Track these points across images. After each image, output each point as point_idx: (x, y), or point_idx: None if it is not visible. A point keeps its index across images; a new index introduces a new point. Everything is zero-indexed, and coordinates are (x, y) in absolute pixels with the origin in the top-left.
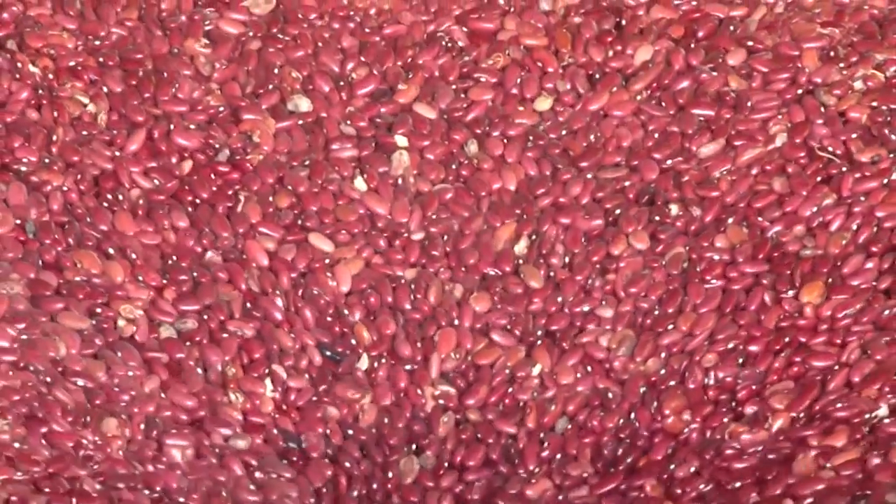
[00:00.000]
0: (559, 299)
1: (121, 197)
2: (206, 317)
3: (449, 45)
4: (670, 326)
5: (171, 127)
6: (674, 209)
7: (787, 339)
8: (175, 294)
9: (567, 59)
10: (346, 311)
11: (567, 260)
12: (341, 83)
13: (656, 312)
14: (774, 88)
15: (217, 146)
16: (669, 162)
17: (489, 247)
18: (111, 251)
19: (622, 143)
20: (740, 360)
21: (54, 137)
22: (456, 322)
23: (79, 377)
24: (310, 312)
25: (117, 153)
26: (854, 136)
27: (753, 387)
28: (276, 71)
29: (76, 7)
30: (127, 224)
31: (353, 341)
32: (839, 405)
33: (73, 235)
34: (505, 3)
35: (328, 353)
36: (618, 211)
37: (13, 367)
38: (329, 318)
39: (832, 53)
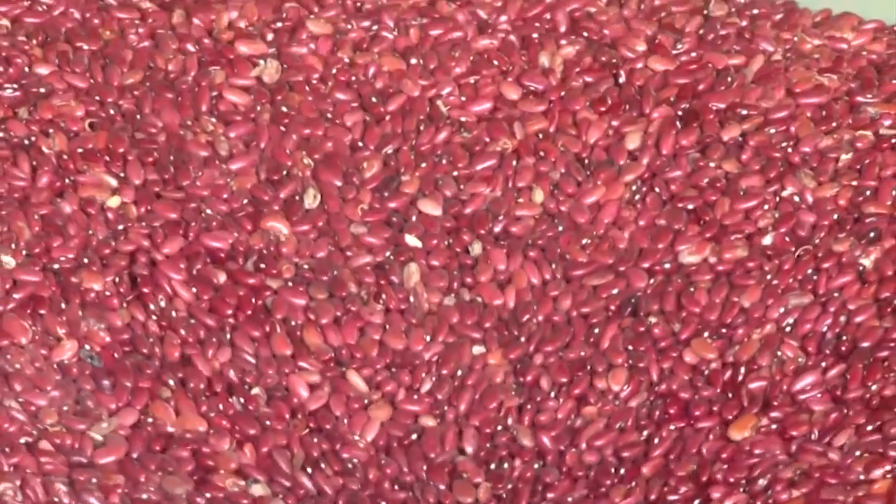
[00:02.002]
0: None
1: (172, 313)
2: None
3: (449, 119)
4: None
5: (194, 224)
6: (653, 321)
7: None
8: None
9: (561, 145)
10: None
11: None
12: (350, 171)
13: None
14: (766, 175)
15: (243, 249)
16: (657, 267)
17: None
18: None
19: (617, 245)
20: None
21: (90, 232)
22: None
23: None
24: None
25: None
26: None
27: None
28: (287, 152)
29: (83, 63)
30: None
31: None
32: None
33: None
34: (502, 62)
35: None
36: (596, 330)
37: None
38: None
39: (825, 112)
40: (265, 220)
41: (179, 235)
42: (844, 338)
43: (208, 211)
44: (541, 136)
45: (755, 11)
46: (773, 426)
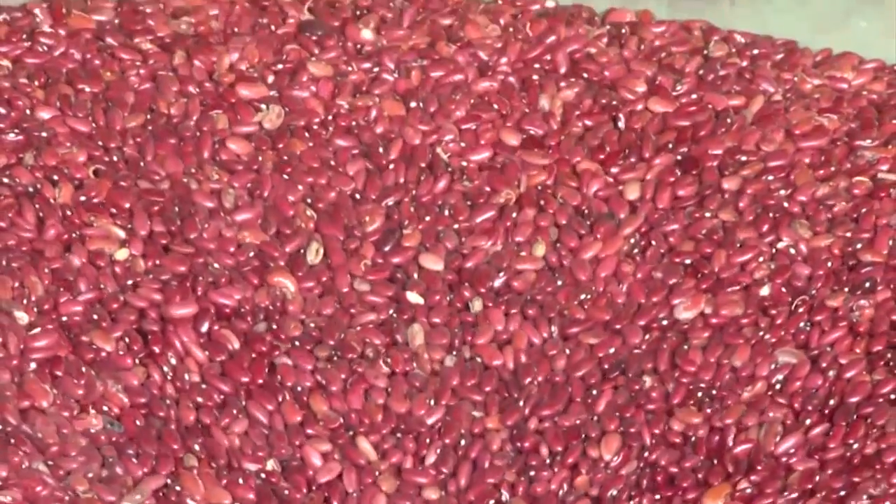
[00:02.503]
0: None
1: (185, 375)
2: None
3: (450, 168)
4: None
5: (202, 279)
6: (647, 382)
7: None
8: None
9: (560, 197)
10: None
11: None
12: (352, 224)
13: None
14: (763, 225)
15: (250, 306)
16: (654, 323)
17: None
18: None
19: (615, 300)
20: None
21: (102, 286)
22: None
23: None
24: None
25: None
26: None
27: None
28: (290, 200)
29: (85, 107)
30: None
31: None
32: None
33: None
34: (502, 105)
35: None
36: (594, 392)
37: None
38: None
39: (823, 157)
40: (271, 275)
41: (190, 294)
42: (833, 396)
43: (215, 265)
44: (540, 187)
45: (756, 51)
46: (751, 490)
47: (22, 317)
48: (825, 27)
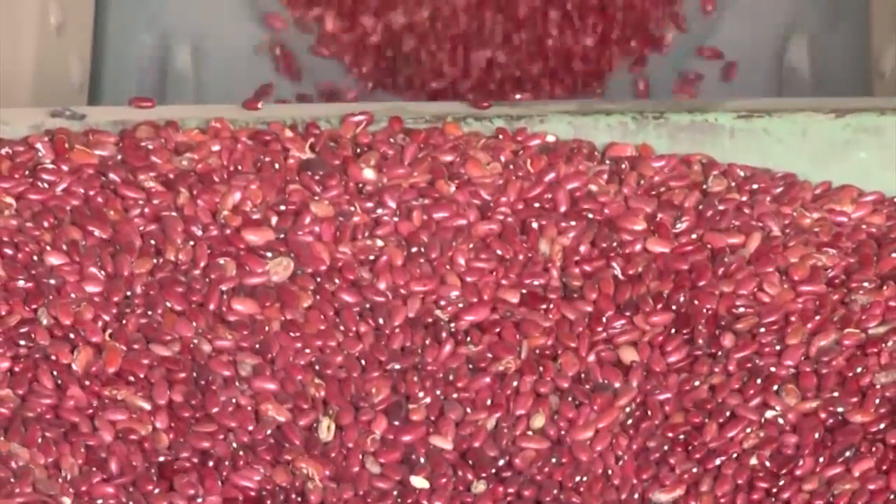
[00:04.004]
0: None
1: None
2: None
3: (453, 329)
4: None
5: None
6: None
7: None
8: None
9: (559, 364)
10: None
11: None
12: (359, 395)
13: None
14: (752, 392)
15: (270, 488)
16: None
17: None
18: None
19: (612, 480)
20: None
21: (134, 463)
22: None
23: None
24: None
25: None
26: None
27: None
28: (301, 365)
29: (94, 255)
30: None
31: None
32: None
33: None
34: (504, 250)
35: None
36: None
37: None
38: None
39: (818, 302)
40: (289, 456)
41: (217, 480)
42: None
43: (234, 444)
44: (538, 351)
45: (755, 185)
46: None
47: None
48: (825, 158)
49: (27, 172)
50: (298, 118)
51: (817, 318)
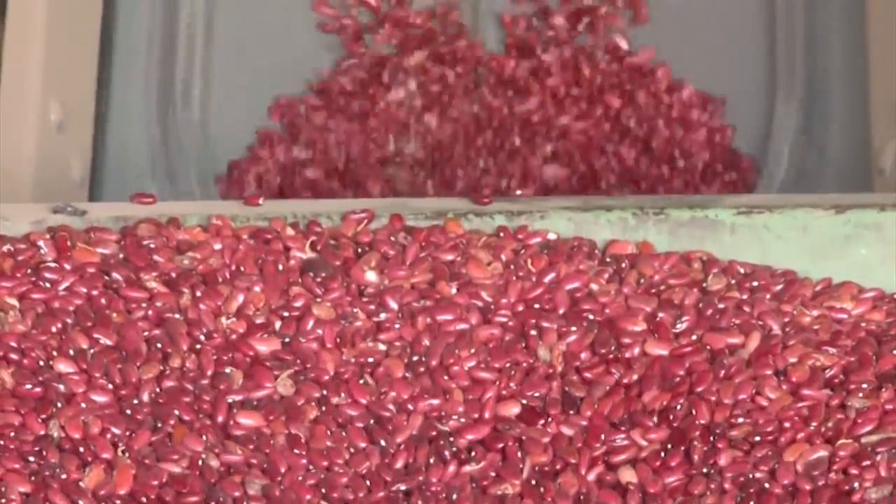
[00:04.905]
0: None
1: None
2: None
3: (455, 448)
4: None
5: None
6: None
7: None
8: None
9: (558, 483)
10: None
11: None
12: None
13: None
14: None
15: None
16: None
17: None
18: None
19: None
20: None
21: None
22: None
23: None
24: None
25: None
26: None
27: None
28: (308, 497)
29: (101, 364)
30: None
31: None
32: None
33: None
34: (504, 357)
35: None
36: None
37: None
38: None
39: (814, 410)
40: None
41: None
42: None
43: None
44: (538, 468)
45: (755, 283)
46: None
47: None
48: (825, 254)
49: (29, 271)
50: (300, 214)
51: (812, 426)
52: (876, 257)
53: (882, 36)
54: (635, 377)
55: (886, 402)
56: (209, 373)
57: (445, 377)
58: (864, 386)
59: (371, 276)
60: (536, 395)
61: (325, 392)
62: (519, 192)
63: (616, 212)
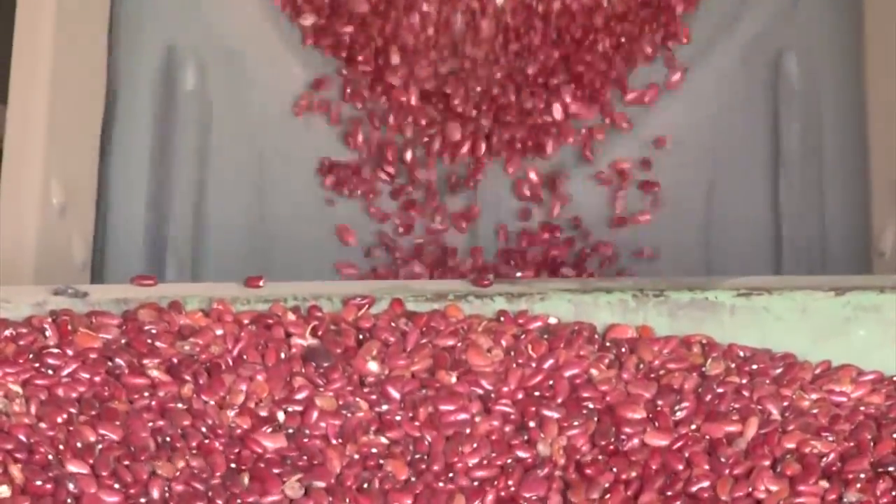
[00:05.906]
0: None
1: None
2: None
3: None
4: None
5: None
6: None
7: None
8: None
9: None
10: None
11: None
12: None
13: None
14: None
15: None
16: None
17: None
18: None
19: None
20: None
21: None
22: None
23: None
24: None
25: None
26: None
27: None
28: None
29: (109, 463)
30: None
31: None
32: None
33: None
34: (506, 453)
35: None
36: None
37: None
38: None
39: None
40: None
41: None
42: None
43: None
44: None
45: (754, 366)
46: None
47: None
48: (824, 335)
49: (32, 356)
50: (300, 296)
51: None
52: (875, 339)
53: (881, 116)
54: (632, 475)
55: (882, 493)
56: (219, 475)
57: (449, 475)
58: (862, 476)
59: (373, 366)
60: (535, 497)
61: (331, 499)
62: (519, 273)
63: (616, 294)
